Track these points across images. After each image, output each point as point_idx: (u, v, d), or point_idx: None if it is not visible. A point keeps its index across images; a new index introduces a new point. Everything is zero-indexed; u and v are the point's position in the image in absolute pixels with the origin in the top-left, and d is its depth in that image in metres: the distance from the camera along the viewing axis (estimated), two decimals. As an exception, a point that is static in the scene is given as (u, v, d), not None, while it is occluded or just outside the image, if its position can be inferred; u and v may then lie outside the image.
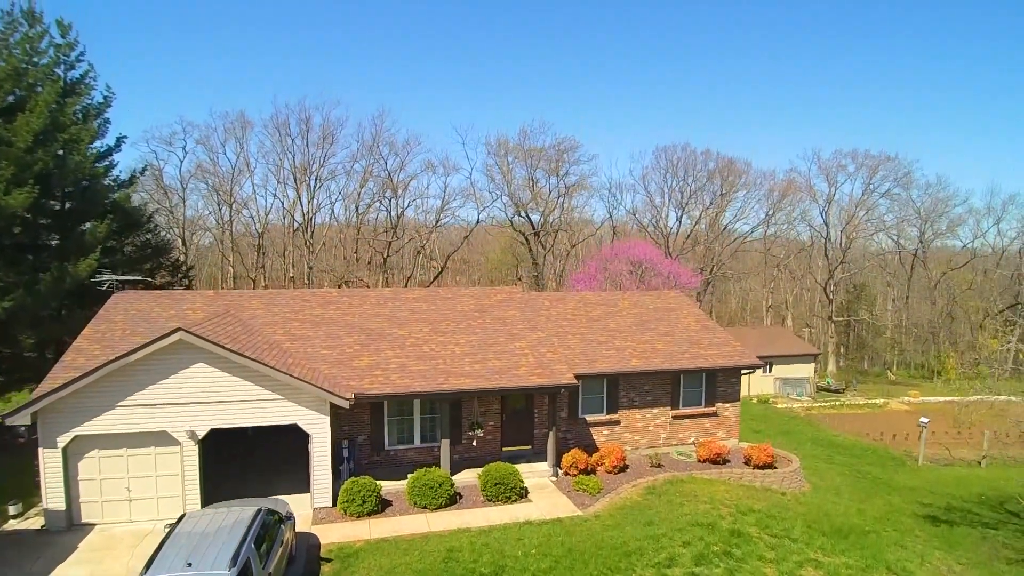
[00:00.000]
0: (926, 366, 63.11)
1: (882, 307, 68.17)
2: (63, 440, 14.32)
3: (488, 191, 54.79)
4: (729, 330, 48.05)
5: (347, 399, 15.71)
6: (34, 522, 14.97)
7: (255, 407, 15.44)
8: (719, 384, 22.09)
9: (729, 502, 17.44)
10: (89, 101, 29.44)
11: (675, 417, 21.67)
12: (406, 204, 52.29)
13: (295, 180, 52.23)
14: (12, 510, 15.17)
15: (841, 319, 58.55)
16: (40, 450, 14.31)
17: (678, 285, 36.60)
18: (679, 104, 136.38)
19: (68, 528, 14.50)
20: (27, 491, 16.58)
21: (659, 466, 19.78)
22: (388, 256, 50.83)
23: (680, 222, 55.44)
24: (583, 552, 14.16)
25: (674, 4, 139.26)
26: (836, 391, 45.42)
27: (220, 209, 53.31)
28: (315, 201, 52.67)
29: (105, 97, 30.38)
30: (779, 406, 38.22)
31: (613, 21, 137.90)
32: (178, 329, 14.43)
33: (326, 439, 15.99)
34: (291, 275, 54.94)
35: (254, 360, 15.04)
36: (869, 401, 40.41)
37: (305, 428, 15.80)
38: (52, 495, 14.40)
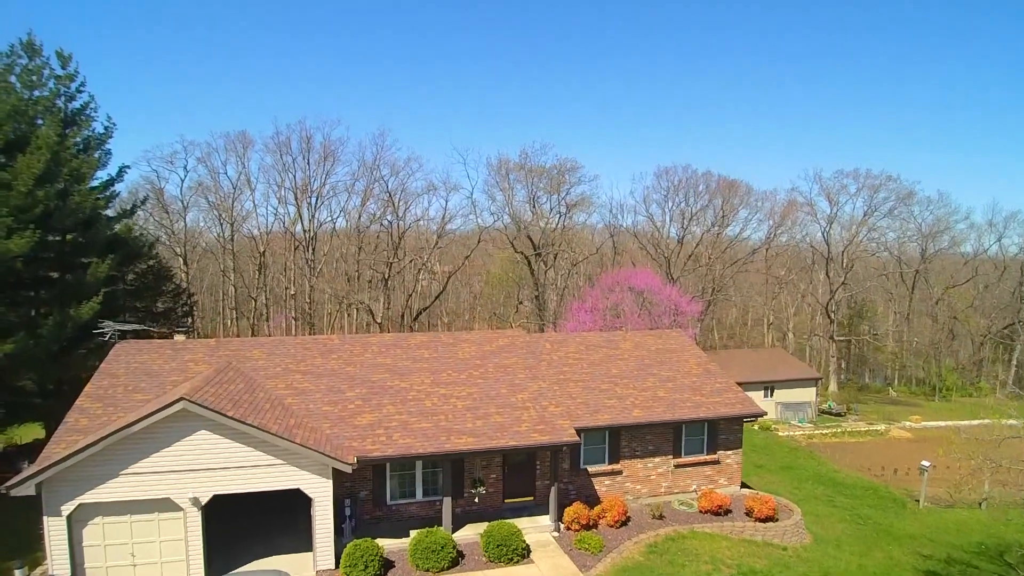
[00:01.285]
0: (927, 382, 63.13)
1: (883, 321, 68.17)
2: (67, 508, 14.36)
3: (489, 211, 54.85)
4: (730, 353, 48.16)
5: (350, 464, 15.74)
6: (38, 588, 15.04)
7: (258, 473, 15.49)
8: (721, 432, 22.11)
9: (731, 561, 17.48)
10: (90, 132, 29.59)
11: (677, 466, 21.68)
12: (407, 225, 52.38)
13: (296, 199, 52.34)
14: (18, 573, 15.22)
15: (843, 337, 58.55)
16: (45, 518, 14.35)
17: (679, 313, 36.66)
18: (680, 125, 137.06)
19: (72, 596, 14.55)
20: (31, 541, 16.68)
21: (661, 518, 19.82)
22: (389, 276, 50.90)
23: (681, 243, 55.45)
24: (584, 624, 14.20)
25: (676, 26, 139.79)
26: (838, 414, 45.43)
27: (221, 227, 53.43)
28: (316, 219, 52.80)
29: (106, 128, 30.58)
30: (781, 434, 38.23)
31: (614, 43, 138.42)
32: (181, 399, 14.46)
33: (328, 503, 16.02)
34: (292, 292, 55.08)
35: (257, 428, 15.08)
36: (871, 427, 40.41)
37: (308, 492, 15.84)
38: (57, 562, 14.45)
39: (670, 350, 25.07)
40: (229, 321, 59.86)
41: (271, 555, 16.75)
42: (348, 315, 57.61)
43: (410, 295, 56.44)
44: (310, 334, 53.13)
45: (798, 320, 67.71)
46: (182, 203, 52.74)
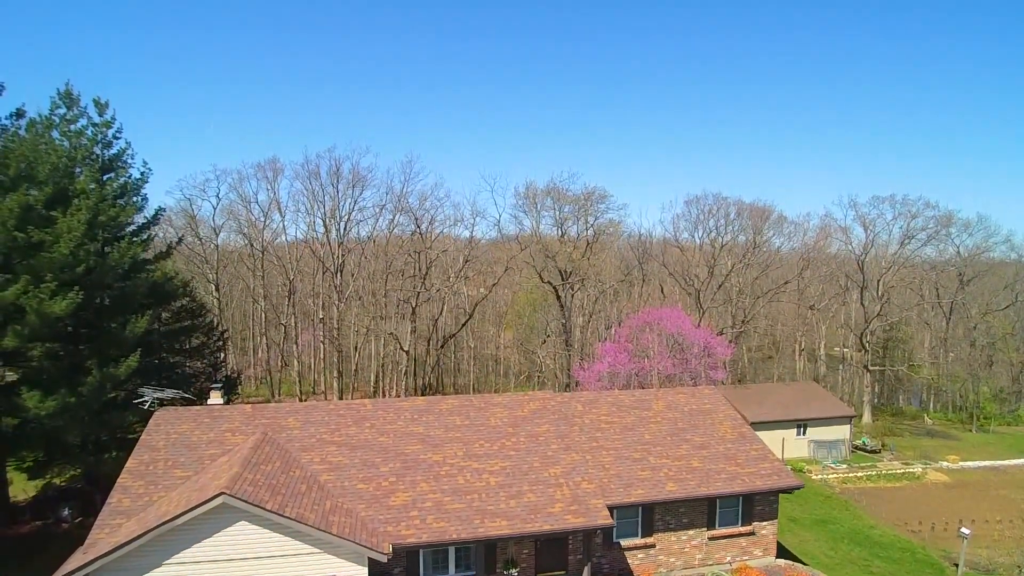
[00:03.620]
0: (965, 409, 61.32)
1: (919, 348, 66.43)
2: (111, 600, 14.68)
3: (517, 240, 54.63)
4: (761, 388, 47.32)
5: (385, 554, 15.82)
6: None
7: (296, 562, 15.61)
8: (757, 504, 21.72)
9: (767, 651, 17.14)
10: (126, 178, 30.19)
11: (711, 538, 21.36)
12: (434, 256, 52.54)
13: (324, 225, 52.91)
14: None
15: (877, 367, 57.17)
16: (89, 610, 14.68)
17: (710, 355, 36.18)
18: (712, 154, 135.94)
19: None
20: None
21: (694, 594, 19.56)
22: (417, 304, 51.18)
23: (711, 273, 54.75)
24: None
25: (708, 54, 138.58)
26: (872, 451, 44.31)
27: (252, 256, 54.27)
28: (344, 245, 53.27)
29: (142, 173, 31.22)
30: (814, 476, 37.46)
31: (643, 72, 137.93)
32: (221, 493, 14.67)
33: (363, 589, 16.13)
34: (320, 316, 55.67)
35: (295, 520, 15.23)
36: (906, 468, 39.35)
37: (343, 580, 15.96)
38: (101, 652, 14.77)
39: (703, 411, 24.71)
40: (259, 350, 60.81)
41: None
42: (376, 339, 58.06)
43: (436, 320, 56.70)
44: (338, 357, 53.68)
45: (830, 344, 66.39)
46: (214, 230, 53.75)
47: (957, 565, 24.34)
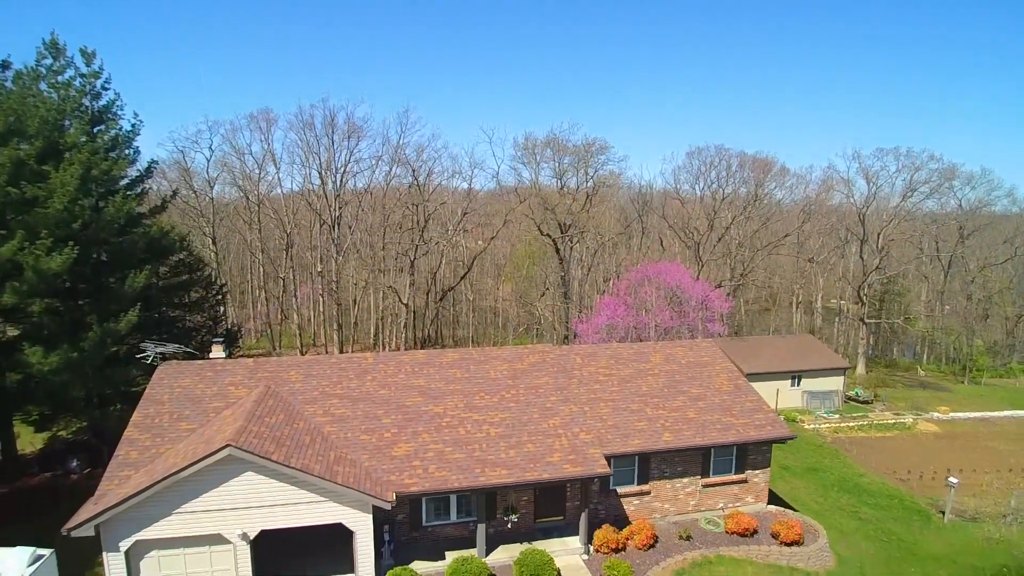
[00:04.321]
0: (958, 361, 62.19)
1: (916, 300, 66.80)
2: (125, 545, 15.17)
3: (515, 193, 54.01)
4: (758, 340, 47.78)
5: (389, 502, 16.27)
6: (101, 611, 16.03)
7: (303, 509, 16.11)
8: (750, 453, 22.24)
9: (757, 591, 17.90)
10: (117, 130, 29.54)
11: (705, 485, 21.98)
12: (432, 209, 52.03)
13: (320, 177, 52.18)
14: (81, 603, 16.25)
15: (873, 320, 57.59)
16: (104, 554, 15.19)
17: (709, 308, 36.31)
18: (714, 105, 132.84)
19: (133, 624, 15.53)
20: (93, 566, 17.72)
21: (688, 538, 20.25)
22: (415, 257, 51.04)
23: (711, 226, 54.41)
24: (615, 665, 14.78)
25: (710, 6, 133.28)
26: (865, 402, 45.13)
27: (248, 209, 53.76)
28: (341, 197, 52.70)
29: (133, 125, 30.53)
30: (806, 426, 38.24)
31: (645, 23, 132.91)
32: (227, 445, 14.97)
33: (369, 535, 16.67)
34: (319, 270, 55.59)
35: (300, 470, 15.60)
36: (897, 419, 40.15)
37: (349, 526, 16.47)
38: (117, 595, 15.39)
39: (701, 364, 25.01)
40: (258, 304, 60.95)
41: (316, 578, 17.59)
42: (375, 292, 58.21)
43: (435, 272, 56.70)
44: (337, 310, 53.90)
45: (827, 297, 66.68)
46: (208, 182, 53.08)
47: (943, 513, 25.12)
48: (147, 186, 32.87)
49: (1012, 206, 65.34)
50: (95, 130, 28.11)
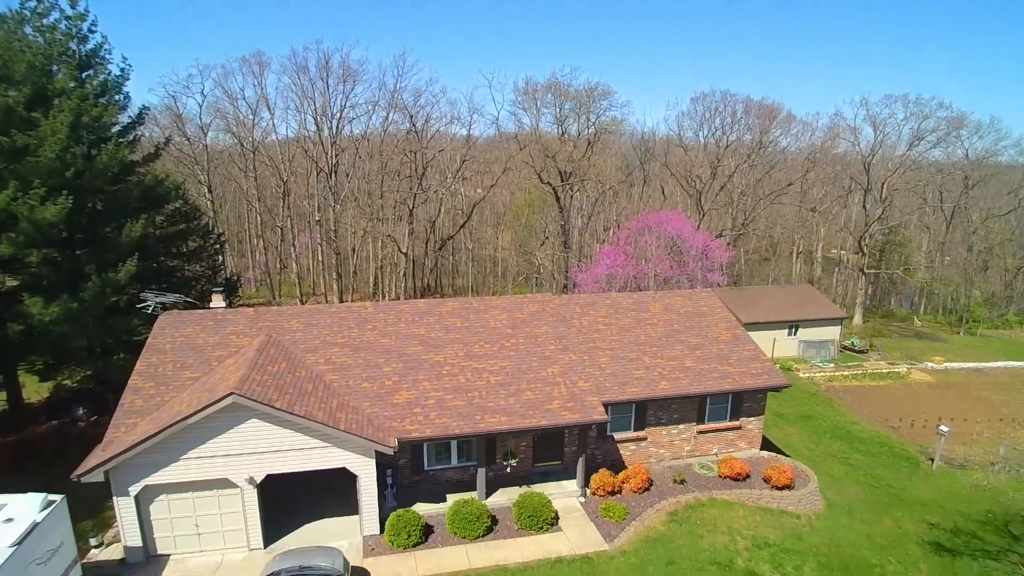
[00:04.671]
0: (955, 312, 62.59)
1: (916, 251, 66.65)
2: (134, 489, 15.60)
3: (516, 138, 52.89)
4: (757, 290, 47.90)
5: (391, 447, 16.64)
6: (113, 551, 16.62)
7: (307, 455, 16.48)
8: (745, 401, 22.63)
9: (746, 532, 18.53)
10: (106, 76, 28.73)
11: (700, 432, 22.46)
12: (430, 157, 51.11)
13: (316, 122, 51.09)
14: (93, 542, 16.80)
15: (873, 270, 57.56)
16: (115, 498, 15.65)
17: (709, 258, 36.18)
18: (721, 49, 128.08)
19: (146, 560, 16.13)
20: (102, 510, 18.29)
21: (682, 482, 20.84)
22: (414, 205, 50.52)
23: (715, 174, 53.56)
24: (610, 600, 15.47)
25: None
26: (860, 352, 45.66)
27: (243, 156, 52.84)
28: (337, 144, 51.76)
29: (122, 69, 29.65)
30: (801, 375, 38.81)
31: None
32: (231, 393, 15.17)
33: (372, 479, 17.13)
34: (316, 218, 55.18)
35: (303, 417, 15.87)
36: (891, 368, 40.74)
37: (353, 471, 16.89)
38: (129, 534, 15.93)
39: (699, 313, 25.13)
40: (257, 253, 60.70)
41: (322, 518, 18.19)
42: (374, 241, 57.94)
43: (434, 220, 56.26)
44: (336, 259, 53.78)
45: (827, 246, 66.45)
46: (201, 129, 51.95)
47: (932, 460, 25.80)
48: (139, 133, 32.20)
49: (1019, 156, 64.43)
50: (83, 75, 27.31)
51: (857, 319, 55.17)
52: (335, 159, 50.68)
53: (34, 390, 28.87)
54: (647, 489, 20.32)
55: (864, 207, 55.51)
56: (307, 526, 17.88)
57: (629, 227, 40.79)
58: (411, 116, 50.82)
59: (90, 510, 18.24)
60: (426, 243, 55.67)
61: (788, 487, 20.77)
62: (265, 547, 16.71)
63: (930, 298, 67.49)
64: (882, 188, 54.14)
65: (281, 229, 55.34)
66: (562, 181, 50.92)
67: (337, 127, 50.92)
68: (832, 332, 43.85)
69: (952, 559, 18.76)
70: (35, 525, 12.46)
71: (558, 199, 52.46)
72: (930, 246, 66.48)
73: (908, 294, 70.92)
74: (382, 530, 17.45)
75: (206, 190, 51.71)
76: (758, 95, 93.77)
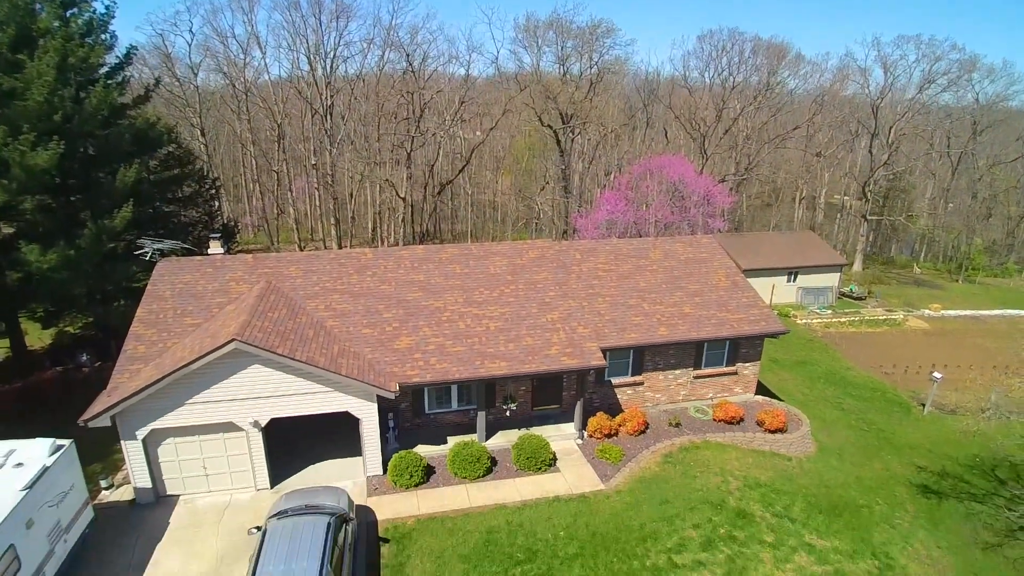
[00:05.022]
0: (955, 259, 62.55)
1: (920, 197, 65.97)
2: (141, 433, 15.94)
3: (516, 79, 51.31)
4: (757, 236, 47.67)
5: (392, 392, 16.91)
6: (124, 492, 17.14)
7: (310, 399, 16.75)
8: (743, 347, 22.86)
9: (738, 473, 19.09)
10: (91, 14, 27.63)
11: (696, 377, 22.80)
12: (428, 97, 49.69)
13: (309, 63, 49.51)
14: (103, 483, 17.30)
15: (876, 216, 57.11)
16: (122, 442, 16.00)
17: (710, 203, 35.77)
18: None
19: (156, 501, 16.66)
20: (111, 454, 18.75)
21: (677, 425, 21.33)
22: (412, 149, 49.55)
23: (719, 117, 52.22)
24: (605, 536, 16.07)
25: None
26: (859, 298, 45.85)
27: (236, 98, 51.42)
28: (332, 85, 50.31)
29: (107, 7, 28.45)
30: (799, 321, 39.10)
31: None
32: (233, 340, 15.28)
33: (375, 422, 17.49)
34: (312, 162, 54.31)
35: (305, 363, 16.05)
36: (888, 315, 41.01)
37: (356, 414, 17.23)
38: (138, 476, 16.37)
39: (699, 260, 25.06)
40: (253, 198, 59.91)
41: (326, 459, 18.70)
42: (371, 186, 57.19)
43: (432, 165, 55.37)
44: (334, 204, 53.24)
45: (831, 192, 65.67)
46: (191, 69, 50.32)
47: (924, 405, 26.29)
48: (128, 74, 31.18)
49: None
50: (68, 14, 26.24)
51: (857, 266, 55.17)
52: (330, 100, 49.36)
53: (36, 337, 29.11)
54: (643, 432, 20.81)
55: (870, 152, 54.51)
56: (312, 467, 18.39)
57: (631, 172, 40.12)
58: (407, 55, 49.22)
59: (99, 453, 18.68)
60: (424, 188, 54.98)
61: (781, 431, 21.28)
62: (272, 487, 17.24)
63: (931, 245, 67.28)
64: (889, 133, 53.03)
65: (277, 174, 54.49)
66: (563, 124, 49.78)
67: (331, 67, 49.36)
68: (831, 279, 43.92)
69: (938, 501, 19.40)
70: (45, 469, 12.80)
71: (559, 142, 51.44)
72: (934, 193, 65.74)
73: (909, 241, 70.68)
74: (385, 471, 17.97)
75: (199, 133, 50.59)
76: (767, 34, 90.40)
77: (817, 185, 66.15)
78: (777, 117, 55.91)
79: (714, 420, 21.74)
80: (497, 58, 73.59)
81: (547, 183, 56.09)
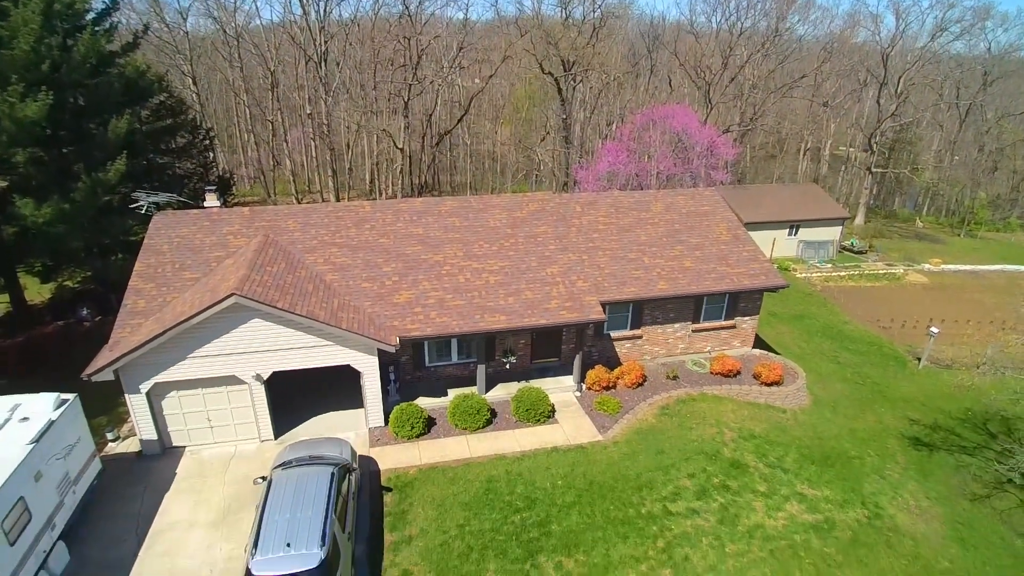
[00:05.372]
0: (958, 213, 62.03)
1: (927, 149, 64.86)
2: (145, 387, 16.11)
3: (516, 23, 49.53)
4: (760, 188, 47.12)
5: (393, 346, 17.02)
6: (130, 444, 17.47)
7: (311, 353, 16.87)
8: (742, 301, 22.90)
9: (733, 425, 19.44)
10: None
11: (695, 330, 22.93)
12: (426, 43, 48.04)
13: (302, 6, 47.66)
14: (109, 436, 17.60)
15: (881, 169, 56.28)
16: (127, 395, 16.19)
17: (714, 155, 35.12)
18: None
19: (162, 452, 17.00)
20: (116, 407, 19.02)
21: (675, 378, 21.58)
22: (409, 97, 48.32)
23: (725, 64, 50.65)
24: (602, 485, 16.48)
25: None
26: (859, 252, 45.65)
27: (227, 44, 49.75)
28: (326, 29, 48.63)
29: (91, -53, 27.17)
30: (798, 275, 39.07)
31: None
32: (232, 294, 15.26)
33: (375, 375, 17.67)
34: (308, 111, 53.12)
35: (306, 317, 16.08)
36: (888, 269, 40.96)
37: (357, 367, 17.39)
38: (144, 428, 16.66)
39: (701, 213, 24.81)
40: (248, 149, 58.80)
41: (329, 411, 19.00)
42: (368, 136, 56.11)
43: (430, 114, 54.19)
44: (330, 155, 52.36)
45: (836, 143, 64.50)
46: (180, 14, 48.57)
47: (919, 359, 26.52)
48: (115, 20, 30.07)
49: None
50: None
51: (859, 219, 54.76)
52: (324, 46, 47.77)
53: (36, 292, 29.08)
54: (641, 385, 21.07)
55: (878, 102, 53.25)
56: (315, 419, 18.70)
57: (633, 121, 39.22)
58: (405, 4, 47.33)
59: (104, 406, 18.96)
60: (423, 138, 53.94)
61: (777, 383, 21.53)
62: (276, 439, 17.57)
63: (934, 199, 66.60)
64: (899, 82, 51.65)
65: (272, 124, 53.34)
66: (565, 71, 48.38)
67: (325, 10, 47.56)
68: (833, 232, 43.64)
69: (929, 453, 19.81)
70: (51, 423, 12.98)
71: (560, 91, 50.15)
72: (940, 145, 64.60)
73: (913, 194, 69.93)
74: (387, 422, 18.28)
75: (190, 82, 49.24)
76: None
77: (822, 136, 64.95)
78: (784, 65, 54.36)
79: (711, 373, 21.97)
80: (496, 0, 71.05)
81: (547, 133, 54.98)
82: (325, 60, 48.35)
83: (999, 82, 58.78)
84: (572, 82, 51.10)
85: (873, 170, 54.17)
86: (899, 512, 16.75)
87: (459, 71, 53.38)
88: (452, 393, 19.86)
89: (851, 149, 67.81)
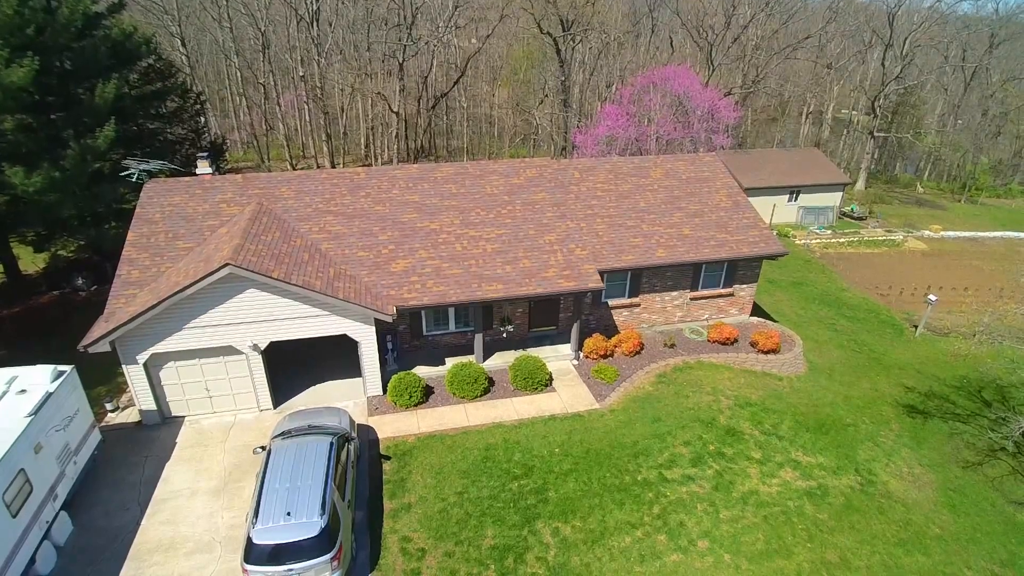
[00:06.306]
0: (959, 179, 61.49)
1: (930, 112, 63.88)
2: (142, 358, 16.08)
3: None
4: (762, 153, 46.46)
5: (389, 315, 16.94)
6: (129, 414, 17.54)
7: (308, 322, 16.81)
8: (740, 269, 22.79)
9: (730, 392, 19.57)
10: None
11: (693, 299, 22.89)
12: (420, 2, 46.56)
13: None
14: (108, 406, 17.65)
15: (883, 133, 55.46)
16: (124, 366, 16.17)
17: (715, 119, 34.45)
18: None
19: (162, 422, 17.08)
20: (113, 377, 19.03)
21: (672, 346, 21.63)
22: (404, 59, 47.14)
23: (728, 24, 49.26)
24: (599, 452, 16.66)
25: None
26: (859, 218, 45.35)
27: (216, 4, 48.19)
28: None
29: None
30: (798, 241, 38.88)
31: None
32: (227, 264, 15.09)
33: (373, 344, 17.67)
34: (300, 74, 51.90)
35: (301, 287, 15.96)
36: (888, 236, 40.75)
37: (354, 337, 17.36)
38: (143, 399, 16.69)
39: (701, 179, 24.49)
40: (240, 113, 57.57)
41: (327, 381, 19.07)
42: (363, 99, 54.94)
43: (426, 76, 53.00)
44: (324, 119, 51.39)
45: (839, 106, 63.38)
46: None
47: (916, 327, 26.56)
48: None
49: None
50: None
51: (860, 184, 54.26)
52: (316, 4, 46.35)
53: (30, 262, 28.81)
54: (638, 353, 21.13)
55: (883, 64, 52.13)
56: (314, 388, 18.78)
57: (633, 83, 38.35)
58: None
59: (102, 376, 18.97)
60: (418, 101, 52.89)
61: (774, 351, 21.61)
62: (275, 408, 17.66)
63: (936, 164, 65.89)
64: (904, 44, 50.45)
65: (264, 87, 52.12)
66: (563, 31, 47.12)
67: (316, -33, 45.96)
68: (833, 198, 43.25)
69: (923, 420, 20.01)
70: (48, 395, 12.96)
71: (559, 51, 48.94)
72: (944, 109, 63.59)
73: (914, 159, 69.17)
74: (385, 391, 18.36)
75: (179, 44, 47.85)
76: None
77: (825, 99, 63.79)
78: (789, 25, 53.00)
79: (709, 341, 22.03)
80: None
81: (546, 96, 53.87)
82: (317, 19, 46.98)
83: (1005, 44, 57.54)
84: (571, 42, 49.87)
85: (875, 134, 53.41)
86: (892, 479, 17.00)
87: (455, 31, 51.96)
88: (450, 362, 19.90)
89: (854, 112, 66.77)
